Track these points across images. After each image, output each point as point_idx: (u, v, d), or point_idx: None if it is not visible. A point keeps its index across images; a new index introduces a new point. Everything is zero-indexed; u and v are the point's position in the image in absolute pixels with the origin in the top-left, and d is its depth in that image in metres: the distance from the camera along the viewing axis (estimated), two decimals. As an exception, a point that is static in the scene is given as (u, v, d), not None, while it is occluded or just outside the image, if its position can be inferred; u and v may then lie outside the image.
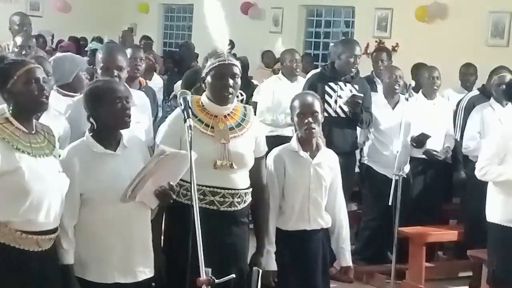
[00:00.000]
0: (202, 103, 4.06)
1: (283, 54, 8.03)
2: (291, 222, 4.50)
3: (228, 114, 4.07)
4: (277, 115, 7.48)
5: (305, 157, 4.49)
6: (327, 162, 4.59)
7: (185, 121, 3.51)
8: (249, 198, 4.11)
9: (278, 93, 7.57)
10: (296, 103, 4.52)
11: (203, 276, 3.27)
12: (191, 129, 3.47)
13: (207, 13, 4.16)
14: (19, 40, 6.58)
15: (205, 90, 4.09)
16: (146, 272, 3.79)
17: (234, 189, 4.01)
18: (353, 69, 6.61)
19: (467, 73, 8.09)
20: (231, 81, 3.99)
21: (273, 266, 4.36)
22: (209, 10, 4.18)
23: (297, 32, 12.34)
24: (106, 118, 3.70)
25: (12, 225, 3.36)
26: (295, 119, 4.49)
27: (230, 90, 4.00)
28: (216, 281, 3.28)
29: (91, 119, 3.75)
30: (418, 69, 7.87)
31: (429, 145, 6.95)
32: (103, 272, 3.69)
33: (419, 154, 6.97)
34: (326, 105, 6.39)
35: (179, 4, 15.10)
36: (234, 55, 7.36)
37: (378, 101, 6.87)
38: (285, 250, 4.47)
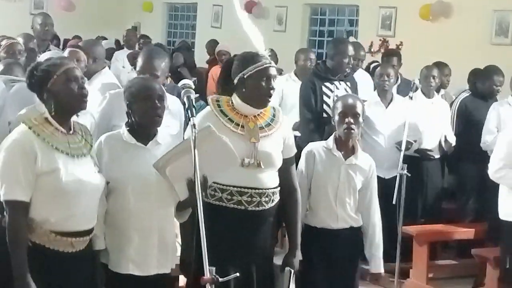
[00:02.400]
0: (232, 102, 4.07)
1: (297, 53, 8.00)
2: (318, 218, 4.56)
3: (258, 114, 4.09)
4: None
5: (337, 156, 4.53)
6: (361, 165, 4.62)
7: (189, 119, 3.53)
8: (277, 197, 4.12)
9: (287, 93, 7.55)
10: (339, 104, 4.60)
11: (207, 275, 3.28)
12: (195, 128, 3.48)
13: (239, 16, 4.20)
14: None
15: (233, 90, 4.08)
16: (161, 267, 3.82)
17: (262, 189, 4.03)
18: (347, 70, 6.59)
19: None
20: (273, 84, 4.05)
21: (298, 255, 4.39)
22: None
23: (301, 30, 12.33)
24: (138, 114, 3.81)
25: (47, 226, 3.44)
26: (336, 118, 4.57)
27: (272, 92, 4.06)
28: (220, 279, 3.29)
29: (129, 115, 3.85)
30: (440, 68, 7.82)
31: (425, 143, 6.95)
32: (118, 261, 3.75)
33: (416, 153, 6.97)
34: (325, 106, 6.39)
35: (183, 2, 15.10)
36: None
37: (372, 100, 6.85)
38: (312, 246, 4.51)
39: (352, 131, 4.52)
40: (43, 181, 3.42)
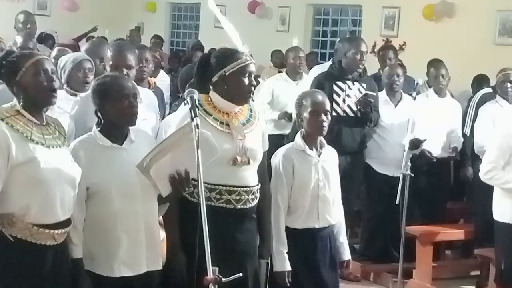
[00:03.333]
0: (211, 99, 4.05)
1: (287, 52, 8.02)
2: (300, 220, 4.53)
3: (237, 111, 4.08)
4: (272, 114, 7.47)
5: (312, 155, 4.51)
6: (331, 158, 4.64)
7: (192, 120, 3.50)
8: (258, 194, 4.13)
9: (278, 92, 7.57)
10: (308, 101, 4.53)
11: (210, 275, 3.27)
12: (198, 128, 3.45)
13: (214, 12, 4.19)
14: (18, 40, 6.58)
15: (209, 88, 4.05)
16: (152, 265, 3.81)
17: (249, 187, 4.03)
18: (360, 66, 6.61)
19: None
20: (254, 81, 4.04)
21: (287, 266, 4.40)
22: (217, 9, 4.20)
23: (304, 31, 12.33)
24: (112, 114, 3.72)
25: (27, 219, 3.38)
26: (306, 116, 4.50)
27: (253, 89, 4.05)
28: (223, 280, 3.28)
29: (98, 114, 3.77)
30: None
31: (436, 141, 6.96)
32: (110, 265, 3.70)
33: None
34: (334, 104, 6.39)
35: (186, 3, 15.11)
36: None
37: (380, 99, 6.88)
38: (294, 248, 4.49)
39: (325, 128, 4.50)
40: (20, 171, 3.35)
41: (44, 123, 3.52)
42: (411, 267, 6.60)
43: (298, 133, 4.58)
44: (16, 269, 3.37)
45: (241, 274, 3.46)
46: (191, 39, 14.17)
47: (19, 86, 3.45)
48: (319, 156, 4.54)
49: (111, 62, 4.66)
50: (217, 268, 3.28)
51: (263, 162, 4.22)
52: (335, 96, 6.47)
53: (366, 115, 6.64)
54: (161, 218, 3.98)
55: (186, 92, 3.70)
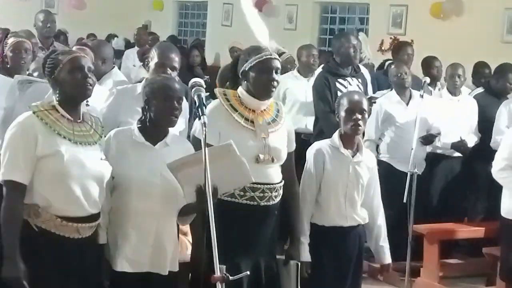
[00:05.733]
0: (239, 96, 4.11)
1: (299, 49, 8.00)
2: (327, 217, 4.57)
3: (264, 110, 4.13)
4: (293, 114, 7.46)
5: (346, 155, 4.55)
6: (366, 162, 4.63)
7: (199, 118, 3.52)
8: (281, 191, 4.18)
9: (290, 90, 7.56)
10: (344, 100, 4.58)
11: (217, 273, 3.28)
12: (205, 127, 3.47)
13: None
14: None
15: (240, 84, 4.13)
16: (155, 267, 3.81)
17: (272, 184, 4.08)
18: (356, 59, 6.62)
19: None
20: (275, 76, 4.05)
21: (307, 257, 4.42)
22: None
23: (311, 29, 12.32)
24: (154, 112, 3.82)
25: (52, 211, 3.47)
26: (342, 114, 4.55)
27: (275, 84, 4.07)
28: (230, 278, 3.29)
29: (144, 111, 3.86)
30: (429, 62, 7.86)
31: (450, 140, 6.97)
32: (114, 258, 3.76)
33: (436, 150, 6.97)
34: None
35: (193, 1, 15.11)
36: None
37: (392, 98, 6.89)
38: (322, 246, 4.53)
39: (360, 127, 4.52)
40: (44, 164, 3.46)
41: (79, 120, 3.62)
42: (418, 265, 6.59)
43: (337, 131, 4.62)
44: (41, 258, 3.46)
45: (248, 272, 3.47)
46: (192, 37, 14.15)
47: (56, 81, 3.59)
48: (352, 157, 4.55)
49: (157, 60, 4.67)
50: (224, 266, 3.29)
51: (290, 163, 4.25)
52: (339, 93, 6.45)
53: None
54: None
55: (193, 90, 3.71)
